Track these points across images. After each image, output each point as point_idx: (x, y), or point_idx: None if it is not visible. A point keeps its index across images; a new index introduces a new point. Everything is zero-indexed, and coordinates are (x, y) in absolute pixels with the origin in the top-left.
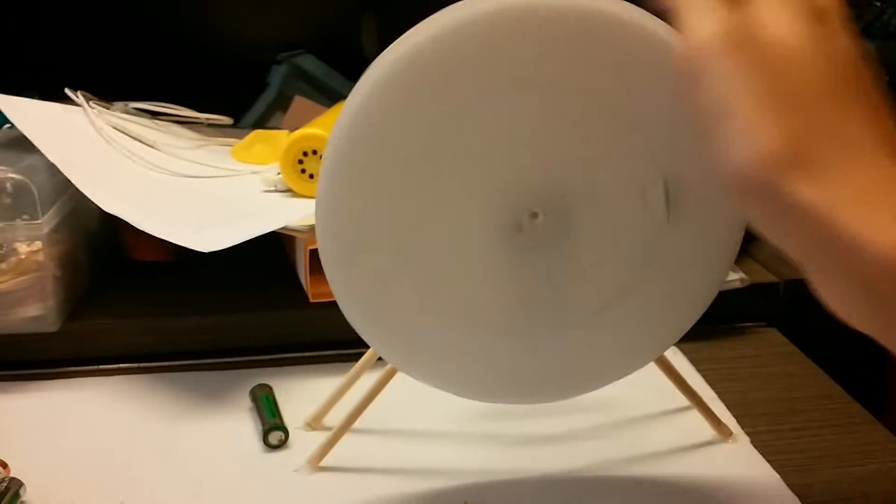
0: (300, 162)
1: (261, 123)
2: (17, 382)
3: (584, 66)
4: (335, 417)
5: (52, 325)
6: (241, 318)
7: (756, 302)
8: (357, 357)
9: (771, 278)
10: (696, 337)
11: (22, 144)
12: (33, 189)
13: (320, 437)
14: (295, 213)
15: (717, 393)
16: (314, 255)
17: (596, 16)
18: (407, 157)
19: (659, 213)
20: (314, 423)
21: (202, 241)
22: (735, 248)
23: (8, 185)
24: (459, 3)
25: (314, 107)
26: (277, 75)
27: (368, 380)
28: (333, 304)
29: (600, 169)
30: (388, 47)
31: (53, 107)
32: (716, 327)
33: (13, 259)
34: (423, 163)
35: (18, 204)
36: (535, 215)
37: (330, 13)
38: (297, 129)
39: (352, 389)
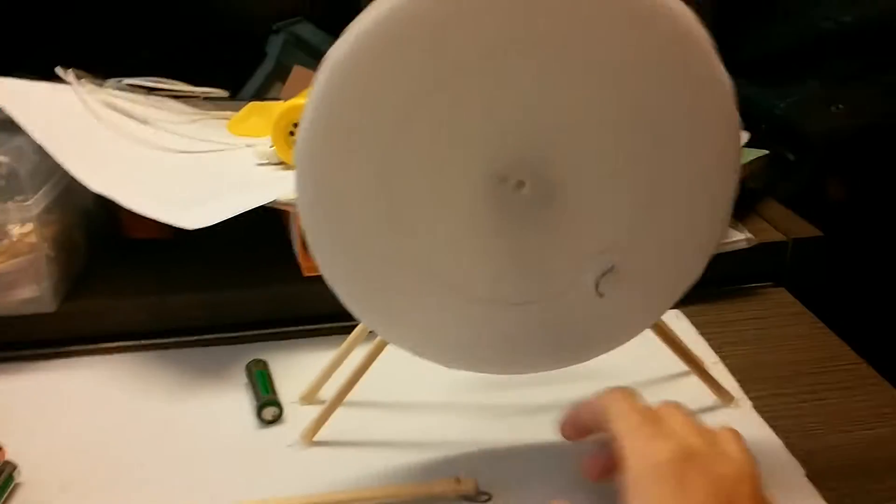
0: (291, 133)
1: (260, 95)
2: (13, 363)
3: (578, 31)
4: (330, 391)
5: (48, 306)
6: (236, 293)
7: (764, 261)
8: (353, 330)
9: (779, 237)
10: (701, 299)
11: (10, 126)
12: (19, 171)
13: (315, 412)
14: (287, 187)
15: (721, 357)
16: None
17: None
18: (391, 115)
19: None
20: (309, 398)
21: (188, 219)
22: (725, 216)
23: None
24: None
25: (313, 75)
26: (275, 45)
27: (362, 353)
28: None
29: (588, 138)
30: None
31: (42, 86)
32: (721, 289)
33: (6, 241)
34: (408, 122)
35: (9, 186)
36: (521, 184)
37: None
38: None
39: (346, 363)
